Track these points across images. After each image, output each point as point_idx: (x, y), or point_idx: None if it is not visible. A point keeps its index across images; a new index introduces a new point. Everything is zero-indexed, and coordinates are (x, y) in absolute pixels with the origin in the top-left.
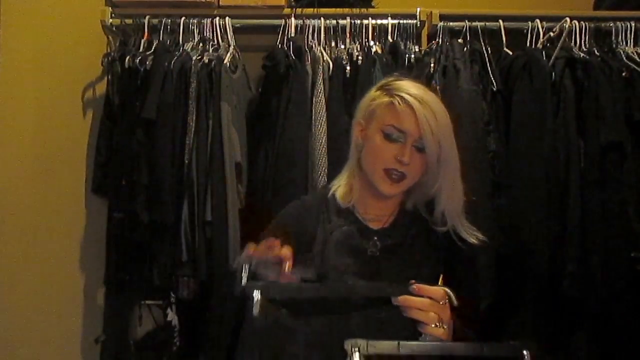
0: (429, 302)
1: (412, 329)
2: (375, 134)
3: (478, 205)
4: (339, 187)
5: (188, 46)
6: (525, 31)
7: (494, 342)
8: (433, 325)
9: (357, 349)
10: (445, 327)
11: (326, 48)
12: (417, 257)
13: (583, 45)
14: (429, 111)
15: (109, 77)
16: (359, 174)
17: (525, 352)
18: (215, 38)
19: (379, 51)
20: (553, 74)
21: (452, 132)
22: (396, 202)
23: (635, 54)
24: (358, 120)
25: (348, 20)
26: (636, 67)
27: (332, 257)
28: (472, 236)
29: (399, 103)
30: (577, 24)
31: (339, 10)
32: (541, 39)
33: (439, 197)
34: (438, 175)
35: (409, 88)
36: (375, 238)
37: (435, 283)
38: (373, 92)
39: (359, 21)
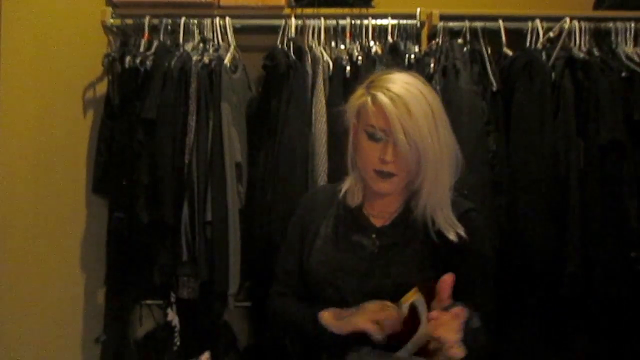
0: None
1: None
2: (361, 133)
3: (478, 205)
4: (347, 186)
5: (188, 46)
6: (525, 31)
7: None
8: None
9: None
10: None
11: (326, 48)
12: (409, 257)
13: (583, 45)
14: (401, 109)
15: (110, 77)
16: (358, 173)
17: None
18: (215, 38)
19: (379, 51)
20: (553, 74)
21: (432, 127)
22: (400, 200)
23: (635, 54)
24: (352, 120)
25: (348, 20)
26: (636, 67)
27: (331, 252)
28: (452, 232)
29: (372, 102)
30: (577, 24)
31: (339, 10)
32: (541, 39)
33: (420, 192)
34: (419, 170)
35: (388, 84)
36: (374, 236)
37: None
38: (359, 89)
39: (359, 21)
